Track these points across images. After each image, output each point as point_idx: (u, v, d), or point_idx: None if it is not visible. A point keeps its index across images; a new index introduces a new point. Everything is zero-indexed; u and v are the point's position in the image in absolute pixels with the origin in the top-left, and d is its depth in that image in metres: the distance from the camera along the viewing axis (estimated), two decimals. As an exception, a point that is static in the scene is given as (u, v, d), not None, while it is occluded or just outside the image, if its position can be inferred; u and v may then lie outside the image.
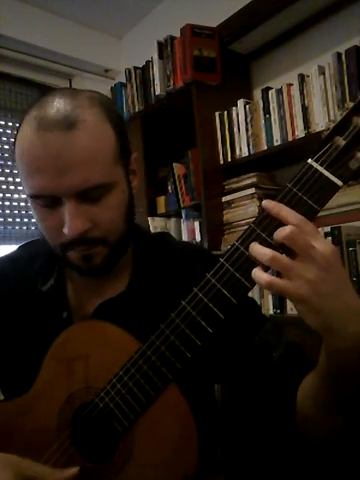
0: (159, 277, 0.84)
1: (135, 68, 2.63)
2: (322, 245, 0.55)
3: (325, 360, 0.62)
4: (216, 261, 0.63)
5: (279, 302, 1.90)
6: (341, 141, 0.57)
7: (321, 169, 0.57)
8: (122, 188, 0.76)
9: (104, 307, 0.80)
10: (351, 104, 0.55)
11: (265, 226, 0.59)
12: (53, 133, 0.67)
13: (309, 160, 0.58)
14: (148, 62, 2.52)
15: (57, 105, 0.70)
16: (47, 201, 0.71)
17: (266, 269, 0.58)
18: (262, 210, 0.60)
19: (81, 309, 0.83)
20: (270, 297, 1.94)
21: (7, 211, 2.68)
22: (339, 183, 0.57)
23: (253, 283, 0.60)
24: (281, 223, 0.57)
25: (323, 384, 0.65)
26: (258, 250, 0.57)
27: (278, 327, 0.83)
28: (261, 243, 0.59)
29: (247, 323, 0.79)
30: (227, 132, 2.23)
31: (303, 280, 0.54)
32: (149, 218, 2.51)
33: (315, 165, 0.58)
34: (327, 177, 0.57)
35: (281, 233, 0.55)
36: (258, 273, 0.57)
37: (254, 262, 0.58)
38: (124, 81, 2.72)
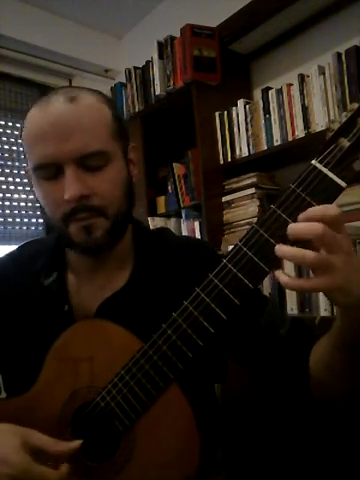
0: (160, 271, 0.85)
1: (135, 68, 2.62)
2: (340, 229, 0.56)
3: (342, 332, 0.65)
4: (216, 254, 0.64)
5: (279, 302, 1.90)
6: (345, 142, 0.57)
7: (325, 170, 0.57)
8: (120, 165, 0.80)
9: (106, 304, 0.80)
10: (356, 105, 0.55)
11: (268, 227, 0.59)
12: (55, 105, 0.75)
13: (313, 161, 0.58)
14: (148, 62, 2.52)
15: (61, 90, 0.78)
16: (49, 171, 0.75)
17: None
18: (264, 211, 0.60)
19: (83, 303, 0.84)
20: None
21: (7, 211, 2.68)
22: (343, 184, 0.57)
23: (256, 284, 0.61)
24: (284, 223, 0.57)
25: (339, 355, 0.68)
26: (298, 253, 0.55)
27: (279, 306, 0.85)
28: (264, 244, 0.59)
29: (251, 307, 0.79)
30: (227, 132, 2.22)
31: (336, 271, 0.55)
32: (149, 218, 2.51)
33: (319, 166, 0.58)
34: (331, 178, 0.57)
35: (314, 231, 0.53)
36: (293, 281, 0.56)
37: (257, 263, 0.59)
38: (124, 81, 2.71)
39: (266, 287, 1.94)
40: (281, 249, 0.56)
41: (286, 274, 0.57)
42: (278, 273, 0.57)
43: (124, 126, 0.84)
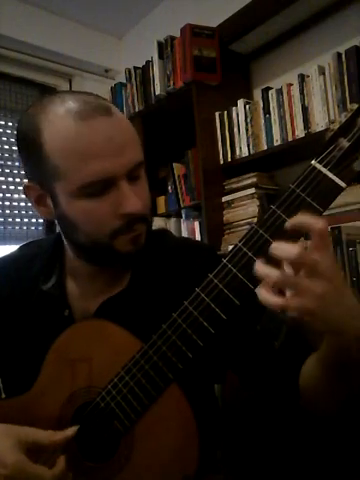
0: (160, 274, 0.84)
1: (135, 68, 2.62)
2: (325, 257, 0.55)
3: (327, 354, 0.65)
4: (216, 256, 0.64)
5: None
6: (345, 143, 0.57)
7: (325, 171, 0.58)
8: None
9: (106, 305, 0.80)
10: (355, 106, 0.55)
11: (268, 227, 0.59)
12: (98, 119, 0.71)
13: (313, 161, 0.58)
14: (148, 62, 2.52)
15: (80, 97, 0.74)
16: (100, 187, 0.72)
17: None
18: (264, 211, 0.60)
19: (83, 307, 0.84)
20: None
21: (7, 211, 2.67)
22: (343, 185, 0.57)
23: (256, 284, 0.60)
24: (283, 224, 0.58)
25: (326, 374, 0.68)
26: (264, 271, 0.57)
27: (277, 315, 0.84)
28: (263, 244, 0.59)
29: (247, 314, 0.79)
30: (227, 132, 2.22)
31: (312, 295, 0.55)
32: (149, 218, 2.51)
33: (319, 167, 0.58)
34: (331, 179, 0.58)
35: (289, 255, 0.55)
36: (266, 295, 0.57)
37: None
38: (124, 81, 2.71)
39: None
40: (259, 269, 0.58)
41: (266, 291, 0.57)
42: (261, 291, 0.57)
43: None
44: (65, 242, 0.85)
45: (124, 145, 0.72)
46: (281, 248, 0.56)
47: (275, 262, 0.56)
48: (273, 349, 0.78)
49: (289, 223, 0.57)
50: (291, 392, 0.75)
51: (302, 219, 0.56)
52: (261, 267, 0.58)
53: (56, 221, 0.82)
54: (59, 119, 0.72)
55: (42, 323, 0.84)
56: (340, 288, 0.57)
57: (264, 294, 0.57)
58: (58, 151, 0.72)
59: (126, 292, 0.81)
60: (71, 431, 0.69)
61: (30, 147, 0.75)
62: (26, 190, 0.81)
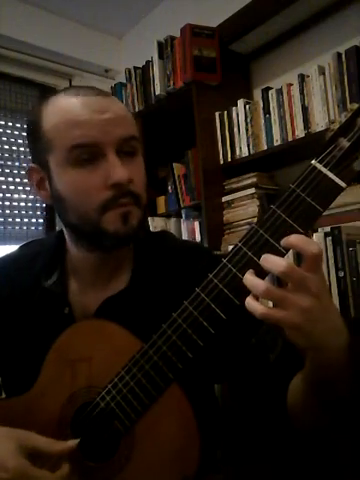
0: (160, 274, 0.85)
1: (135, 68, 2.62)
2: (313, 274, 0.55)
3: (310, 371, 0.65)
4: (215, 259, 0.64)
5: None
6: (345, 143, 0.57)
7: (325, 171, 0.58)
8: (142, 159, 0.83)
9: (106, 304, 0.80)
10: (355, 105, 0.55)
11: (268, 227, 0.59)
12: (95, 97, 0.77)
13: (313, 161, 0.58)
14: (148, 62, 2.52)
15: (82, 86, 0.82)
16: (87, 153, 0.75)
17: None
18: (264, 211, 0.60)
19: (83, 305, 0.84)
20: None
21: (7, 211, 2.67)
22: (343, 185, 0.57)
23: None
24: (284, 226, 0.58)
25: (309, 390, 0.68)
26: (251, 282, 0.57)
27: (274, 328, 0.84)
28: (263, 244, 0.59)
29: (245, 325, 0.79)
30: (227, 132, 2.22)
31: (298, 309, 0.55)
32: (149, 218, 2.50)
33: (319, 166, 0.58)
34: (331, 179, 0.58)
35: (277, 268, 0.55)
36: (252, 304, 0.57)
37: (257, 263, 0.59)
38: (124, 81, 2.71)
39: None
40: (247, 279, 0.58)
41: (255, 300, 0.58)
42: (249, 299, 0.58)
43: None
44: (66, 235, 0.87)
45: (115, 119, 0.76)
46: (270, 260, 0.56)
47: None
48: (268, 362, 0.78)
49: (282, 244, 0.57)
50: (278, 406, 0.75)
51: (296, 241, 0.56)
52: (249, 278, 0.58)
53: (54, 206, 0.84)
54: (57, 100, 0.78)
55: (42, 321, 0.84)
56: (326, 305, 0.57)
57: (250, 301, 0.57)
58: (52, 125, 0.77)
59: (126, 291, 0.82)
60: (73, 443, 0.69)
61: (33, 131, 0.80)
62: (29, 173, 0.84)
